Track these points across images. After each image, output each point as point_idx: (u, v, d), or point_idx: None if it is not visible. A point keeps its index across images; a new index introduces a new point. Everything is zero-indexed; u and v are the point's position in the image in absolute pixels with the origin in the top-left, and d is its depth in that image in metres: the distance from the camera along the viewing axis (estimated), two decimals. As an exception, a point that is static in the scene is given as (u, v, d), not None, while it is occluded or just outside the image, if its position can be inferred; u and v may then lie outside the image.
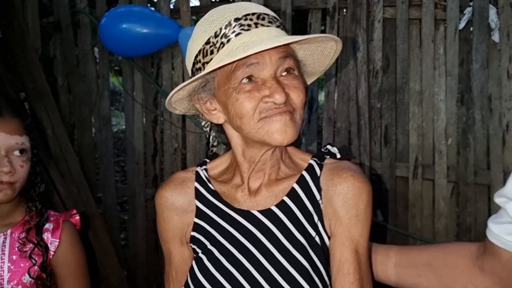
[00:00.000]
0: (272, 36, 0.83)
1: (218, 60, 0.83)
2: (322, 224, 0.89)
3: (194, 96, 0.91)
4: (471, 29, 2.16)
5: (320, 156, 0.94)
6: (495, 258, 0.84)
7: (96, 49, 2.84)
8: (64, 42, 2.73)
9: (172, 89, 2.74)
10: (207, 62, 0.85)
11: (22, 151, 1.14)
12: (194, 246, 0.94)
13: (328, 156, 0.94)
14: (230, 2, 2.43)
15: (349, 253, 0.87)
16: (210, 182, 0.96)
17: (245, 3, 0.91)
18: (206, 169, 0.98)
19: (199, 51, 0.87)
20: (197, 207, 0.94)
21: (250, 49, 0.78)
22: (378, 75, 2.21)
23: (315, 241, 0.88)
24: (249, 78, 0.83)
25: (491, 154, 2.12)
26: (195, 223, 0.94)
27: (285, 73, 0.85)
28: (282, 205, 0.90)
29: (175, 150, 2.58)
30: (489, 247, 0.85)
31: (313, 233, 0.89)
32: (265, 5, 2.28)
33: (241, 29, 0.83)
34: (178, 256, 0.97)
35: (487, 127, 2.13)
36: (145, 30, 2.32)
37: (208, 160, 1.00)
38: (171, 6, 2.59)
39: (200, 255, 0.92)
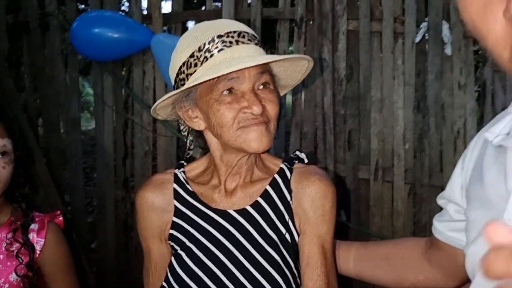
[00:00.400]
0: (251, 53, 0.92)
1: (201, 73, 0.91)
2: (292, 222, 0.98)
3: (177, 104, 0.98)
4: (427, 42, 2.34)
5: (290, 161, 1.03)
6: (440, 251, 0.95)
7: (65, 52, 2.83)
8: (33, 44, 2.71)
9: (143, 93, 2.78)
10: (191, 74, 0.93)
11: (4, 153, 1.17)
12: (172, 243, 1.00)
13: (296, 161, 1.04)
14: (202, 11, 2.51)
15: (317, 248, 0.96)
16: (188, 184, 1.02)
17: (227, 20, 1.01)
18: (184, 171, 1.04)
19: (184, 63, 0.94)
20: (176, 207, 1.01)
21: (232, 66, 0.87)
22: (342, 83, 2.34)
23: (286, 238, 0.97)
24: (230, 90, 0.90)
25: (444, 158, 2.30)
26: (173, 221, 1.00)
27: (262, 86, 0.93)
28: (256, 205, 0.98)
29: (146, 153, 2.62)
30: (435, 242, 0.96)
31: (284, 230, 0.97)
32: (236, 14, 2.38)
33: (223, 45, 0.91)
34: (157, 253, 1.03)
35: (440, 133, 2.30)
36: (117, 35, 2.36)
37: (185, 163, 1.07)
38: (143, 12, 2.62)
39: (179, 251, 0.98)
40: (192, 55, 0.92)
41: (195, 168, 1.06)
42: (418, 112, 2.33)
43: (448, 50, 2.30)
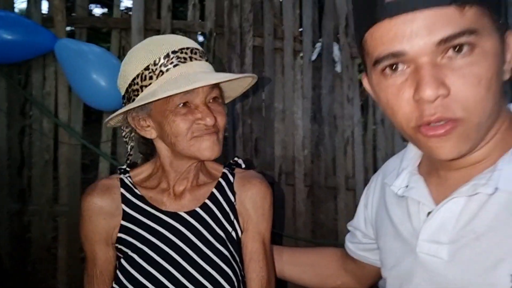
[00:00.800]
0: (204, 70, 1.00)
1: (157, 85, 0.97)
2: (237, 221, 1.09)
3: (129, 113, 1.03)
4: (321, 61, 2.63)
5: (230, 167, 1.14)
6: (353, 263, 1.16)
7: None
8: None
9: (43, 99, 2.61)
10: (146, 86, 0.98)
11: None
12: (120, 247, 1.04)
13: (235, 167, 1.15)
14: (110, 18, 2.48)
15: (258, 244, 1.09)
16: (136, 188, 1.06)
17: (178, 36, 1.06)
18: (129, 176, 1.08)
19: (137, 75, 0.98)
20: (124, 210, 1.05)
21: (191, 82, 0.93)
22: (249, 95, 2.52)
23: (232, 235, 1.08)
24: (185, 103, 0.97)
25: (336, 162, 2.60)
26: (122, 225, 1.04)
27: (212, 100, 1.01)
28: (204, 207, 1.07)
29: (47, 162, 2.48)
30: (350, 256, 1.16)
31: (230, 228, 1.07)
32: (145, 24, 2.42)
33: (178, 61, 0.97)
34: (103, 257, 1.05)
35: (333, 140, 2.60)
36: (13, 37, 2.22)
37: (128, 169, 1.11)
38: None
39: (130, 253, 1.02)
40: (147, 68, 0.97)
41: (140, 173, 1.10)
42: (314, 122, 2.61)
43: (338, 68, 2.63)
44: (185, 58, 0.98)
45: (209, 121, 0.97)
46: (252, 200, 1.09)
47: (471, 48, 0.62)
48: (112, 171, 2.55)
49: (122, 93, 1.05)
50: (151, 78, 0.97)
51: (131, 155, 1.16)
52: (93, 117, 2.93)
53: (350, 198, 2.59)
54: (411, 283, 0.78)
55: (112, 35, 2.47)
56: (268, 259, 1.11)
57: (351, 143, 2.60)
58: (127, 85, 1.01)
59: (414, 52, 0.63)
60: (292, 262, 1.24)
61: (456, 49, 0.63)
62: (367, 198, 1.04)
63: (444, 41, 0.62)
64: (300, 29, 2.62)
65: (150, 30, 2.46)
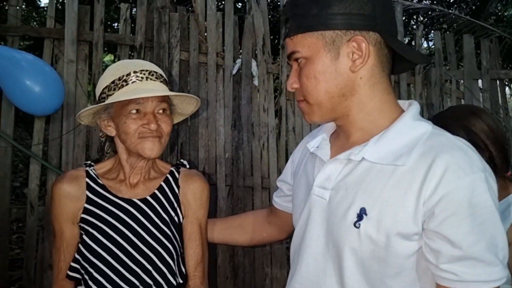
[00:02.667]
0: (155, 88, 1.24)
1: (117, 95, 1.23)
2: (179, 208, 1.34)
3: (97, 115, 1.29)
4: (241, 75, 2.95)
5: (177, 166, 1.41)
6: (276, 216, 1.44)
7: None
8: None
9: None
10: (110, 95, 1.24)
11: None
12: (84, 225, 1.27)
13: (181, 166, 1.42)
14: (43, 28, 2.61)
15: (196, 227, 1.35)
16: (98, 178, 1.31)
17: (145, 62, 1.32)
18: (94, 169, 1.33)
19: (106, 86, 1.24)
20: (88, 196, 1.28)
21: (138, 94, 1.20)
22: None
23: (175, 219, 1.33)
24: (137, 110, 1.22)
25: (253, 165, 2.90)
26: (85, 208, 1.27)
27: (161, 111, 1.26)
28: (154, 196, 1.32)
29: (-25, 164, 2.55)
30: (274, 210, 1.44)
31: (173, 214, 1.33)
32: (78, 35, 2.59)
33: (136, 79, 1.23)
34: (69, 233, 1.28)
35: (251, 146, 2.91)
36: None
37: (93, 163, 1.35)
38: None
39: (91, 230, 1.25)
40: (113, 82, 1.24)
41: (103, 167, 1.35)
42: (235, 129, 2.90)
43: (255, 82, 2.95)
44: (142, 77, 1.24)
45: (153, 126, 1.22)
46: (193, 192, 1.36)
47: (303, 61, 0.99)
48: (43, 173, 2.68)
49: (97, 99, 1.31)
50: (114, 89, 1.24)
51: (107, 153, 1.40)
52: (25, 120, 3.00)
53: (266, 196, 2.92)
54: (311, 219, 1.07)
55: (44, 44, 2.61)
56: (203, 240, 1.37)
57: (267, 148, 2.93)
58: (98, 94, 1.28)
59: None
60: (224, 227, 1.50)
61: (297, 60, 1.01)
62: (293, 155, 1.33)
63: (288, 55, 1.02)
64: (223, 46, 2.94)
65: (83, 41, 2.64)
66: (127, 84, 1.23)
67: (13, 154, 2.64)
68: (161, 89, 1.26)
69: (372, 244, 0.93)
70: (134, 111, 1.23)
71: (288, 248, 2.66)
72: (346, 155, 1.01)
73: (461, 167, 0.86)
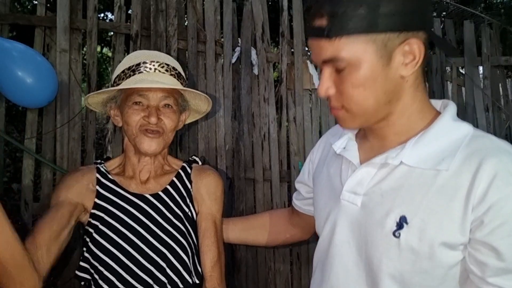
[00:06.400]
0: (160, 80, 1.19)
1: (123, 85, 1.20)
2: (192, 204, 1.29)
3: (107, 103, 1.28)
4: (240, 63, 2.88)
5: (189, 162, 1.37)
6: (299, 217, 1.38)
7: None
8: None
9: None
10: (119, 84, 1.22)
11: None
12: (94, 221, 1.20)
13: (193, 162, 1.38)
14: (34, 16, 2.50)
15: (210, 223, 1.29)
16: (109, 174, 1.27)
17: (159, 53, 1.27)
18: (104, 166, 1.30)
19: (117, 76, 1.23)
20: (98, 191, 1.23)
21: (138, 84, 1.16)
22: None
23: (189, 215, 1.28)
24: (140, 102, 1.19)
25: (254, 156, 2.85)
26: (95, 203, 1.22)
27: (165, 106, 1.21)
28: (166, 191, 1.27)
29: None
30: (295, 212, 1.39)
31: (186, 209, 1.28)
32: (71, 23, 2.48)
33: (144, 70, 1.21)
34: (61, 212, 1.16)
35: (251, 137, 2.86)
36: None
37: (103, 161, 1.32)
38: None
39: (101, 227, 1.19)
40: (123, 71, 1.23)
41: (112, 164, 1.32)
42: (235, 120, 2.85)
43: (255, 71, 2.89)
44: (150, 69, 1.22)
45: (153, 120, 1.18)
46: (206, 187, 1.31)
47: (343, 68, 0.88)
48: (37, 167, 2.58)
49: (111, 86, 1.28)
50: (123, 78, 1.23)
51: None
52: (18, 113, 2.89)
53: (267, 188, 2.87)
54: (339, 225, 1.01)
55: (35, 32, 2.49)
56: (218, 236, 1.31)
57: (267, 139, 2.87)
58: (112, 82, 1.26)
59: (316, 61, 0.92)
60: (246, 228, 1.45)
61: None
62: (312, 154, 1.27)
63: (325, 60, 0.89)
64: (221, 34, 2.85)
65: (76, 29, 2.53)
66: (134, 75, 1.21)
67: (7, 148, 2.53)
68: (168, 82, 1.21)
69: (413, 254, 0.87)
70: (137, 102, 1.21)
71: (290, 244, 2.59)
72: (382, 158, 0.94)
73: (511, 172, 0.80)
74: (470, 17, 4.11)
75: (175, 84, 1.22)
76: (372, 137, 1.01)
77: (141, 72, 1.21)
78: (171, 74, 1.24)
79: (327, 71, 0.90)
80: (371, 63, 0.85)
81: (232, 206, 2.81)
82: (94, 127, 2.56)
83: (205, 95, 1.32)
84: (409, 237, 0.87)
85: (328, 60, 0.87)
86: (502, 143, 0.87)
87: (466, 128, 0.91)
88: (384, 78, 0.86)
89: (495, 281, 0.82)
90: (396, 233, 0.88)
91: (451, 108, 0.95)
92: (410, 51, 0.86)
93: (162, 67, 1.23)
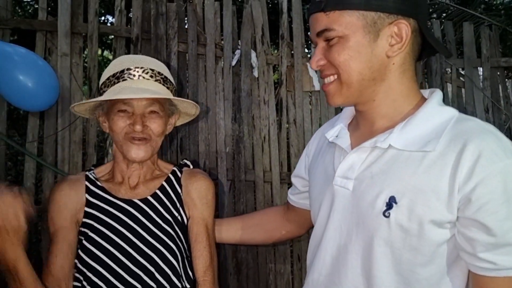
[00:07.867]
0: (144, 87, 1.19)
1: (108, 93, 1.20)
2: (182, 208, 1.29)
3: (94, 111, 1.28)
4: (240, 66, 2.89)
5: (180, 166, 1.37)
6: (295, 212, 1.41)
7: None
8: None
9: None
10: (104, 91, 1.22)
11: None
12: (84, 229, 1.21)
13: (184, 166, 1.38)
14: (36, 20, 2.52)
15: (202, 228, 1.29)
16: (98, 181, 1.27)
17: (144, 57, 1.27)
18: (94, 172, 1.30)
19: (103, 82, 1.23)
20: (87, 199, 1.24)
21: (120, 94, 1.15)
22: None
23: (178, 219, 1.28)
24: (124, 110, 1.20)
25: (254, 158, 2.86)
26: (85, 211, 1.23)
27: (151, 112, 1.21)
28: (155, 196, 1.28)
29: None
30: (291, 207, 1.42)
31: (176, 213, 1.28)
32: (72, 27, 2.50)
33: (128, 77, 1.20)
34: (64, 237, 1.21)
35: (252, 139, 2.87)
36: None
37: (93, 168, 1.33)
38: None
39: (90, 234, 1.20)
40: (108, 78, 1.22)
41: (102, 170, 1.33)
42: (235, 122, 2.86)
43: (255, 73, 2.90)
44: (134, 75, 1.21)
45: (138, 128, 1.18)
46: (197, 190, 1.31)
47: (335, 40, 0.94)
48: (39, 170, 2.59)
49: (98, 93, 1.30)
50: (108, 86, 1.22)
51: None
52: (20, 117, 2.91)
53: (268, 190, 2.88)
54: (334, 210, 1.03)
55: (37, 36, 2.51)
56: (211, 240, 1.31)
57: (268, 141, 2.88)
58: (99, 88, 1.27)
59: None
60: (241, 227, 1.47)
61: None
62: (307, 148, 1.30)
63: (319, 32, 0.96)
64: (221, 37, 2.86)
65: (77, 33, 2.55)
66: (118, 82, 1.21)
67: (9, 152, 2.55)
68: (152, 89, 1.20)
69: (403, 232, 0.90)
70: (122, 110, 1.20)
71: (290, 245, 2.63)
72: (371, 142, 0.98)
73: (494, 151, 0.84)
74: (470, 18, 4.11)
75: (159, 89, 1.21)
76: (363, 124, 1.05)
77: (125, 79, 1.20)
78: (156, 80, 1.22)
79: (320, 45, 0.97)
80: (358, 37, 0.92)
81: (233, 208, 2.82)
82: (95, 130, 2.58)
83: (189, 100, 1.31)
84: (399, 216, 0.90)
85: (321, 31, 0.95)
86: (486, 125, 0.91)
87: (451, 111, 0.95)
88: (369, 53, 0.93)
89: (486, 256, 0.85)
90: (386, 213, 0.92)
91: (437, 94, 1.00)
92: (398, 34, 0.93)
93: (147, 73, 1.21)
